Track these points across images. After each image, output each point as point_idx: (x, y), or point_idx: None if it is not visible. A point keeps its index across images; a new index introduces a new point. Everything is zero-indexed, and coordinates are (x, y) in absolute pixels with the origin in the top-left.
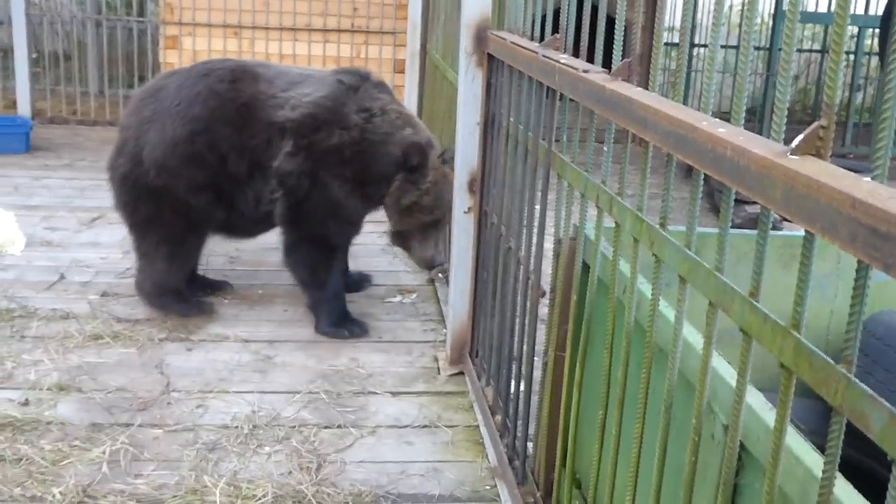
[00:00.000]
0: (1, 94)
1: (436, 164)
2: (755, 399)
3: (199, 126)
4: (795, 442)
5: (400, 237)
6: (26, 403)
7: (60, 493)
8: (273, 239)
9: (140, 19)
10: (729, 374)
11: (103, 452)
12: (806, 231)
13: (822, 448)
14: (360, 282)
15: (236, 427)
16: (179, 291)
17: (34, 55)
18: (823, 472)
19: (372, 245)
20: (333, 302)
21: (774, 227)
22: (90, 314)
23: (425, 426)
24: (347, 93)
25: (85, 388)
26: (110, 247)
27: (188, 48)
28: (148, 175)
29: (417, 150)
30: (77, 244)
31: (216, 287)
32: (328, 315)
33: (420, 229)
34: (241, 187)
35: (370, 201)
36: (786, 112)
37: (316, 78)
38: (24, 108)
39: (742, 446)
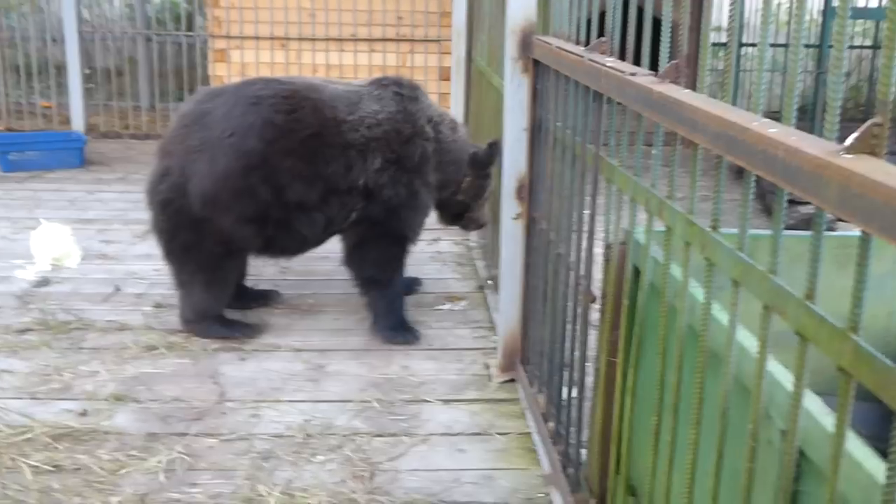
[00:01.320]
0: (56, 111)
1: (489, 150)
2: (813, 403)
3: (254, 160)
4: (856, 447)
5: (468, 218)
6: (84, 414)
7: (119, 502)
8: (323, 249)
9: (189, 34)
10: (785, 378)
11: (159, 462)
12: (862, 231)
13: (883, 453)
14: (409, 285)
15: (290, 436)
16: (221, 315)
17: (87, 71)
18: (887, 477)
19: (420, 253)
20: (395, 302)
21: (829, 228)
22: (145, 325)
23: (477, 434)
24: (412, 104)
25: (141, 398)
26: None
27: (237, 61)
28: (192, 206)
29: (494, 149)
30: (132, 256)
31: (266, 297)
32: (388, 316)
33: (481, 205)
34: (308, 213)
35: (440, 198)
36: (839, 110)
37: (369, 94)
38: (77, 123)
39: (801, 452)
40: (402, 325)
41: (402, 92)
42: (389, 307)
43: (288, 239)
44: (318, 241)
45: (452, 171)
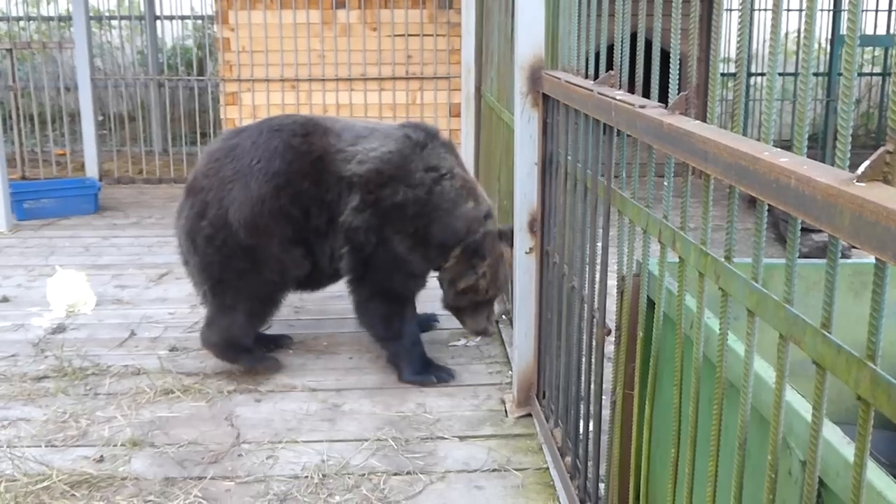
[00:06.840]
0: (70, 157)
1: (496, 246)
2: (832, 433)
3: (281, 181)
4: (877, 476)
5: (454, 309)
6: (101, 460)
7: None
8: (337, 288)
9: (200, 78)
10: (804, 407)
11: None
12: (877, 259)
13: None
14: (426, 321)
15: (306, 477)
16: (247, 345)
17: (100, 118)
18: None
19: (435, 290)
20: (413, 351)
21: (843, 255)
22: (160, 369)
23: (495, 470)
24: (414, 149)
25: (157, 442)
26: (178, 302)
27: (248, 103)
28: (238, 235)
29: (486, 240)
30: (146, 300)
31: (277, 342)
32: (410, 365)
33: (473, 305)
34: (320, 241)
35: (430, 262)
36: (850, 138)
37: (382, 132)
38: (91, 169)
39: (821, 482)
40: (429, 366)
41: (412, 136)
42: (408, 356)
43: (314, 267)
44: (329, 274)
45: (437, 233)
